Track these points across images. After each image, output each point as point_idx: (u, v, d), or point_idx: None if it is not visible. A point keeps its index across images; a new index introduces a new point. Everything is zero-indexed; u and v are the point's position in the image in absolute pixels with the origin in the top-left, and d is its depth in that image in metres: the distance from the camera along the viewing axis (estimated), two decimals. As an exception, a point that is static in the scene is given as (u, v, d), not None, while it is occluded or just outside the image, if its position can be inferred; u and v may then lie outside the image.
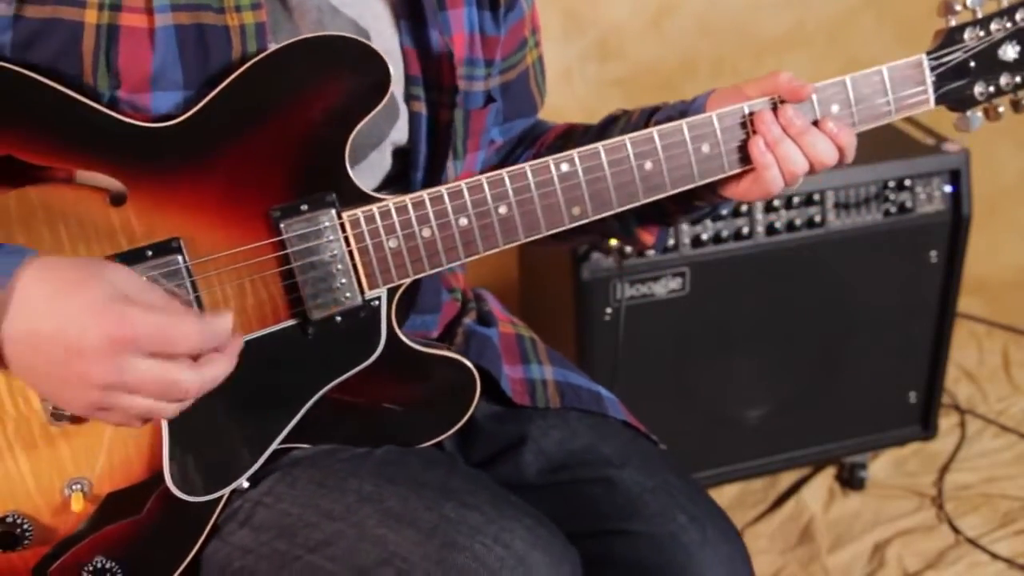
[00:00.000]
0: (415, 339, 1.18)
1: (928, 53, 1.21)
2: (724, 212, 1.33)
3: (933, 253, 2.21)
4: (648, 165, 1.14)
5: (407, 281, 1.13)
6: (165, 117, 1.04)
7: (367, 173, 1.19)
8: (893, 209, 2.16)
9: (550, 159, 1.12)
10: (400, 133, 1.20)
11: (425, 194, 1.10)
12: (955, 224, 2.20)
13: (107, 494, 1.08)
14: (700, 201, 1.24)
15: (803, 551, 2.25)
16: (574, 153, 1.12)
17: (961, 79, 1.22)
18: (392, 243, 1.10)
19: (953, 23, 1.21)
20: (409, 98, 1.19)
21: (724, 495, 2.40)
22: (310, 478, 1.14)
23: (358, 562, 1.06)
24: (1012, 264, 3.14)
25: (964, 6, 1.20)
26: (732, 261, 2.07)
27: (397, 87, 1.18)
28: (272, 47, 1.07)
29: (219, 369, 0.97)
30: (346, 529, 1.08)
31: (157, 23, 1.03)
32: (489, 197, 1.11)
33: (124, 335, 0.91)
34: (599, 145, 1.13)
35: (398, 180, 1.22)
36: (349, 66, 1.07)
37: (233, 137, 1.05)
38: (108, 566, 1.08)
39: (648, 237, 1.32)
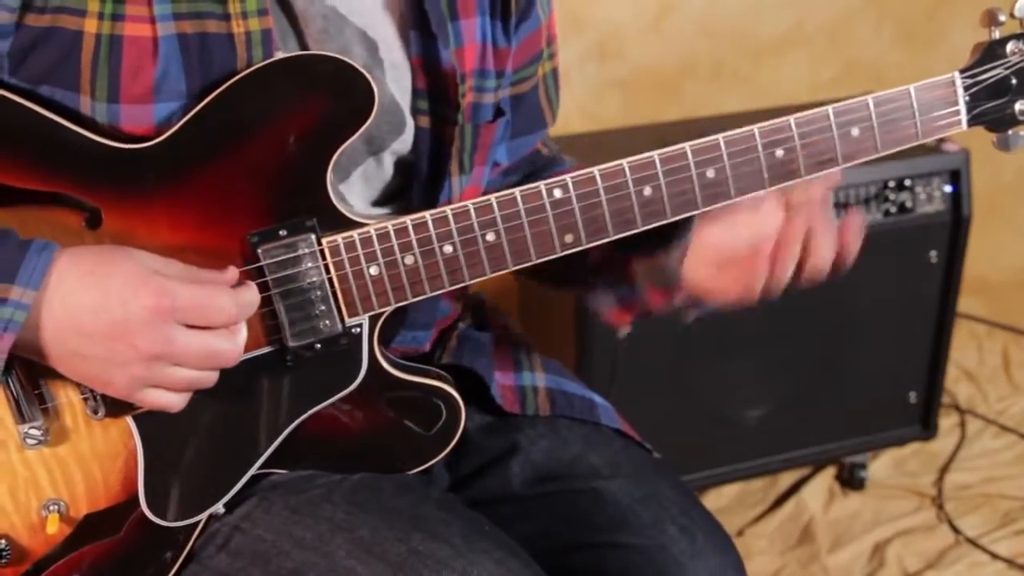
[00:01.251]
0: (400, 364, 1.15)
1: (962, 71, 1.12)
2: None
3: (933, 253, 2.22)
4: (647, 191, 1.09)
5: (389, 309, 1.09)
6: (166, 127, 1.02)
7: (361, 180, 1.17)
8: (893, 209, 2.16)
9: (542, 184, 1.07)
10: (403, 145, 1.17)
11: (408, 220, 1.06)
12: (955, 224, 2.20)
13: (84, 515, 1.07)
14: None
15: (803, 551, 2.25)
16: (567, 178, 1.07)
17: (1000, 98, 1.12)
18: (373, 270, 1.07)
19: (997, 35, 1.10)
20: (416, 112, 1.17)
21: (724, 495, 2.40)
22: (285, 504, 1.12)
23: None
24: (1012, 264, 3.14)
25: (1011, 15, 1.09)
26: (732, 261, 2.07)
27: (404, 99, 1.16)
28: (279, 54, 1.04)
29: (245, 333, 1.01)
30: (317, 560, 1.06)
31: (160, 32, 1.01)
32: (476, 224, 1.07)
33: (165, 305, 0.94)
34: (595, 170, 1.08)
35: (400, 192, 1.20)
36: (332, 87, 1.03)
37: (210, 159, 1.03)
38: None
39: (658, 299, 1.24)
